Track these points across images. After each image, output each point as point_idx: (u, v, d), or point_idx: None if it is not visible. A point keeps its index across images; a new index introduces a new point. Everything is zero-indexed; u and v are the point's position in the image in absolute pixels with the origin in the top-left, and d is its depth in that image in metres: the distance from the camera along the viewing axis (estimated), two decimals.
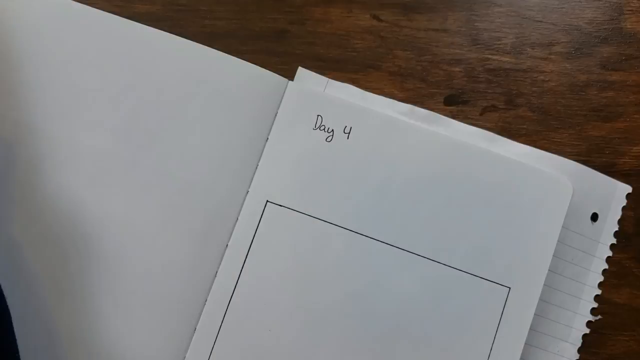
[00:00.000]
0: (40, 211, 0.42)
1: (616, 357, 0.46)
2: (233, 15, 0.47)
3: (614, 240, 0.46)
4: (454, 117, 0.46)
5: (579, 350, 0.45)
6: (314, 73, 0.46)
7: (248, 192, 0.44)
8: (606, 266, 0.46)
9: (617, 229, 0.46)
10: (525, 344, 0.44)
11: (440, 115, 0.46)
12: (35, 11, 0.44)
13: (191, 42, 0.45)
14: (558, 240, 0.45)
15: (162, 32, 0.44)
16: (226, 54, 0.45)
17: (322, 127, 0.45)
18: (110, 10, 0.45)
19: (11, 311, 0.38)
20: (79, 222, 0.43)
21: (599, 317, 0.46)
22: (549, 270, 0.44)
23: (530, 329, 0.44)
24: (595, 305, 0.46)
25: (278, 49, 0.46)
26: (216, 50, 0.45)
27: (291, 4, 0.47)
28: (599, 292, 0.46)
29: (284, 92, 0.45)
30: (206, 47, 0.45)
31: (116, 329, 0.42)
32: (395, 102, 0.46)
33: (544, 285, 0.44)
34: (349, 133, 0.45)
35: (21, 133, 0.43)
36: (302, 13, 0.47)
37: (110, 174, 0.43)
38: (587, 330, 0.45)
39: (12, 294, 0.39)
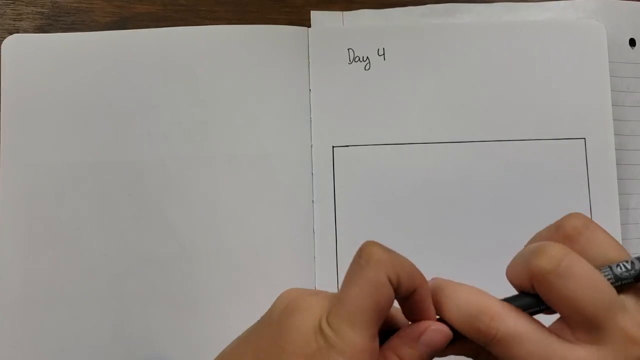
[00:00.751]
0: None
1: None
2: (233, 15, 0.47)
3: None
4: (469, 1, 0.46)
5: None
6: (327, 12, 0.46)
7: (312, 145, 0.44)
8: None
9: None
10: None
11: (458, 4, 0.46)
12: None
13: (200, 26, 0.45)
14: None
15: (177, 27, 0.45)
16: (241, 25, 0.45)
17: (356, 59, 0.45)
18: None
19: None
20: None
21: None
22: (613, 106, 0.45)
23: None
24: None
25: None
26: (229, 25, 0.45)
27: (291, 4, 0.47)
28: None
29: (308, 39, 0.45)
30: (219, 25, 0.45)
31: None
32: (412, 7, 0.46)
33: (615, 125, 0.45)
34: (383, 54, 0.45)
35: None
36: (302, 13, 0.47)
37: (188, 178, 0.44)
38: None
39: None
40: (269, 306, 0.28)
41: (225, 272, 0.43)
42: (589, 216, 0.44)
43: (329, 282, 0.43)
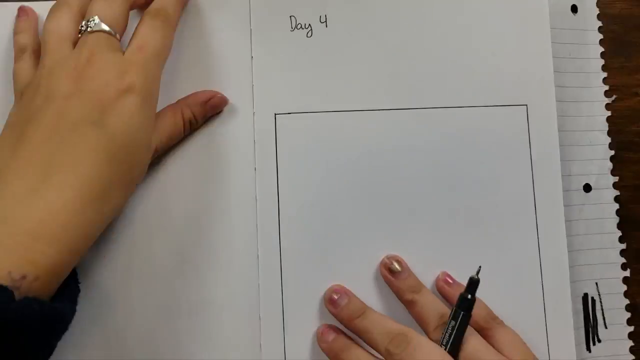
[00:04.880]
0: None
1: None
2: None
3: (599, 24, 0.48)
4: None
5: (608, 134, 0.47)
6: None
7: (254, 113, 0.44)
8: (602, 49, 0.48)
9: (598, 12, 0.48)
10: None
11: None
12: None
13: None
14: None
15: None
16: None
17: (298, 26, 0.45)
18: None
19: None
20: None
21: (614, 97, 0.47)
22: (555, 73, 0.46)
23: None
24: (607, 87, 0.47)
25: None
26: None
27: None
28: (604, 74, 0.47)
29: (249, 6, 0.45)
30: None
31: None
32: None
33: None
34: (325, 21, 0.45)
35: None
36: None
37: None
38: (609, 113, 0.47)
39: None
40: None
41: (167, 240, 0.43)
42: (531, 184, 0.45)
43: (271, 249, 0.43)
